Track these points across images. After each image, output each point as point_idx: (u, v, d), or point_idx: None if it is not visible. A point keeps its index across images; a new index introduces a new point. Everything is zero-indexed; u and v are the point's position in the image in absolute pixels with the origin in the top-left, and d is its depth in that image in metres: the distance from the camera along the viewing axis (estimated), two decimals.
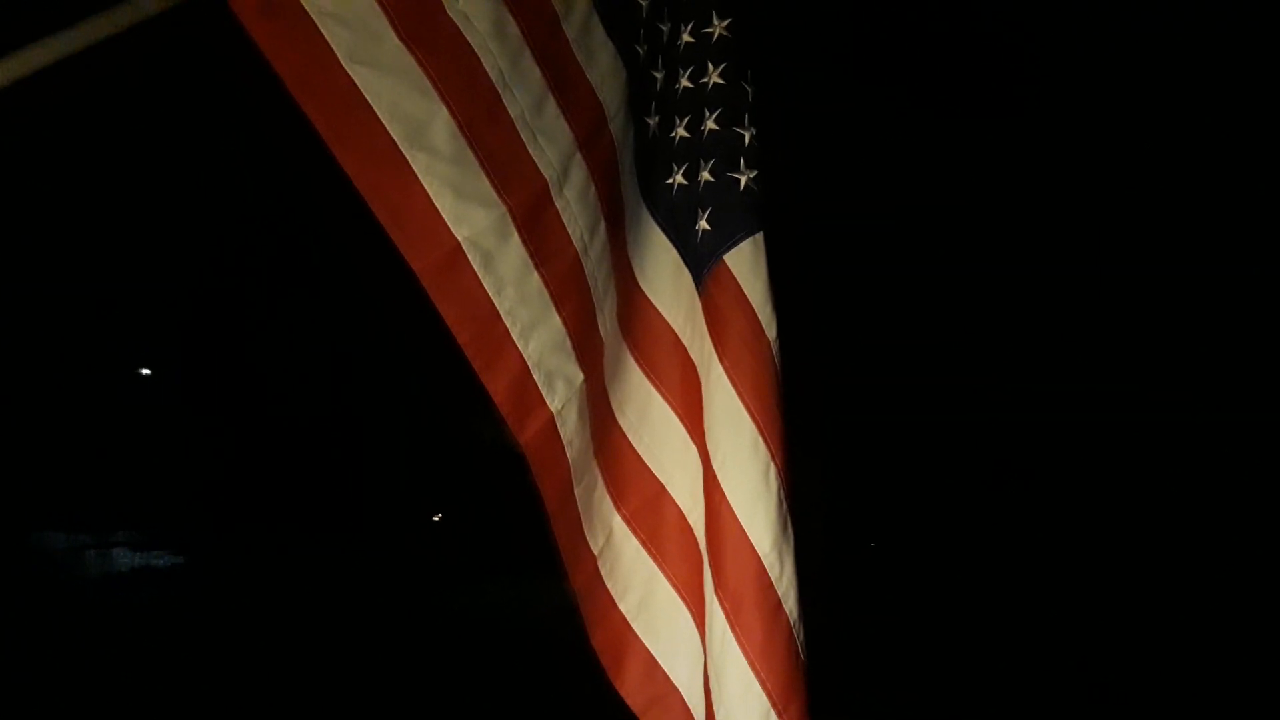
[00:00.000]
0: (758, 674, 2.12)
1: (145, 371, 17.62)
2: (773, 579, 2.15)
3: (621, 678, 2.38)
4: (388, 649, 10.65)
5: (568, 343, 2.17)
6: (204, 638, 11.26)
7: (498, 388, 2.08)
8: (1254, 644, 9.03)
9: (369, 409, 16.87)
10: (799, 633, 2.19)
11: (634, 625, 2.38)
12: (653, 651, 2.38)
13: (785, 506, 2.19)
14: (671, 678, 2.37)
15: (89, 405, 15.73)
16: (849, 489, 11.78)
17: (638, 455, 2.39)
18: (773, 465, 2.17)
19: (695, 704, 2.32)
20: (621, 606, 2.37)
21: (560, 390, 2.16)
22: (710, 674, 2.23)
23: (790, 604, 2.17)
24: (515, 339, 2.08)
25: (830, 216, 9.65)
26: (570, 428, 2.20)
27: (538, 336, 2.11)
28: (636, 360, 2.40)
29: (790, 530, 2.19)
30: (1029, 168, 10.33)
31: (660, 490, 2.40)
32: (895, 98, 9.12)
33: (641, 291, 2.40)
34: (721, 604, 2.17)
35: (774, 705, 2.12)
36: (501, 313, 2.05)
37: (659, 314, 2.40)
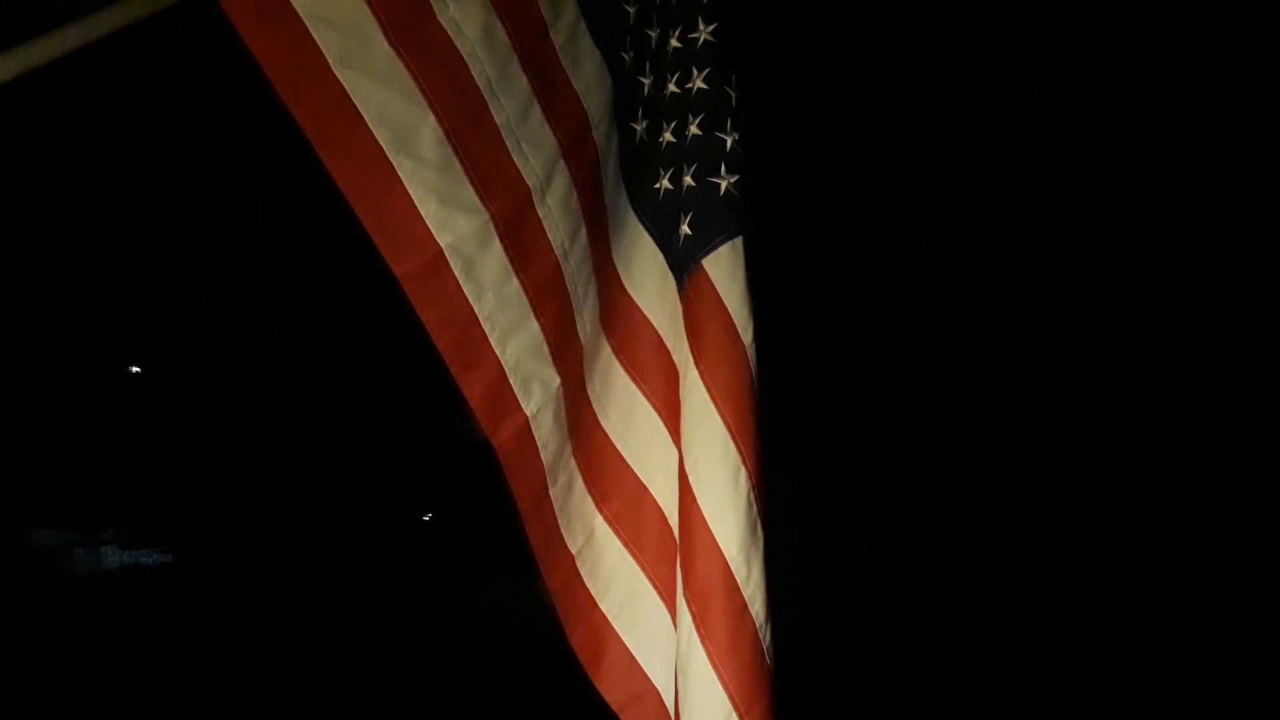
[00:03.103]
0: (720, 675, 2.15)
1: (135, 369, 17.58)
2: (739, 581, 2.17)
3: (600, 675, 2.41)
4: (379, 647, 10.64)
5: (545, 348, 2.19)
6: (194, 636, 11.24)
7: (473, 392, 2.11)
8: (1253, 645, 9.02)
9: (358, 407, 16.84)
10: (765, 636, 2.21)
11: (615, 625, 2.40)
12: (632, 651, 2.41)
13: (755, 510, 2.21)
14: (650, 676, 2.40)
15: (78, 402, 15.68)
16: (837, 490, 11.78)
17: (621, 457, 2.42)
18: (743, 469, 2.19)
19: (672, 703, 2.34)
20: (603, 606, 2.40)
21: (536, 394, 2.19)
22: (677, 674, 2.26)
23: (757, 607, 2.19)
24: (493, 344, 2.10)
25: (813, 218, 9.67)
26: (545, 431, 2.23)
27: (515, 342, 2.14)
28: (622, 364, 2.43)
29: (760, 534, 2.21)
30: (1019, 169, 10.36)
31: (643, 492, 2.43)
32: (881, 101, 9.13)
33: (628, 296, 2.42)
34: (689, 605, 2.20)
35: (735, 707, 2.14)
36: (480, 318, 2.08)
37: (645, 318, 2.42)
